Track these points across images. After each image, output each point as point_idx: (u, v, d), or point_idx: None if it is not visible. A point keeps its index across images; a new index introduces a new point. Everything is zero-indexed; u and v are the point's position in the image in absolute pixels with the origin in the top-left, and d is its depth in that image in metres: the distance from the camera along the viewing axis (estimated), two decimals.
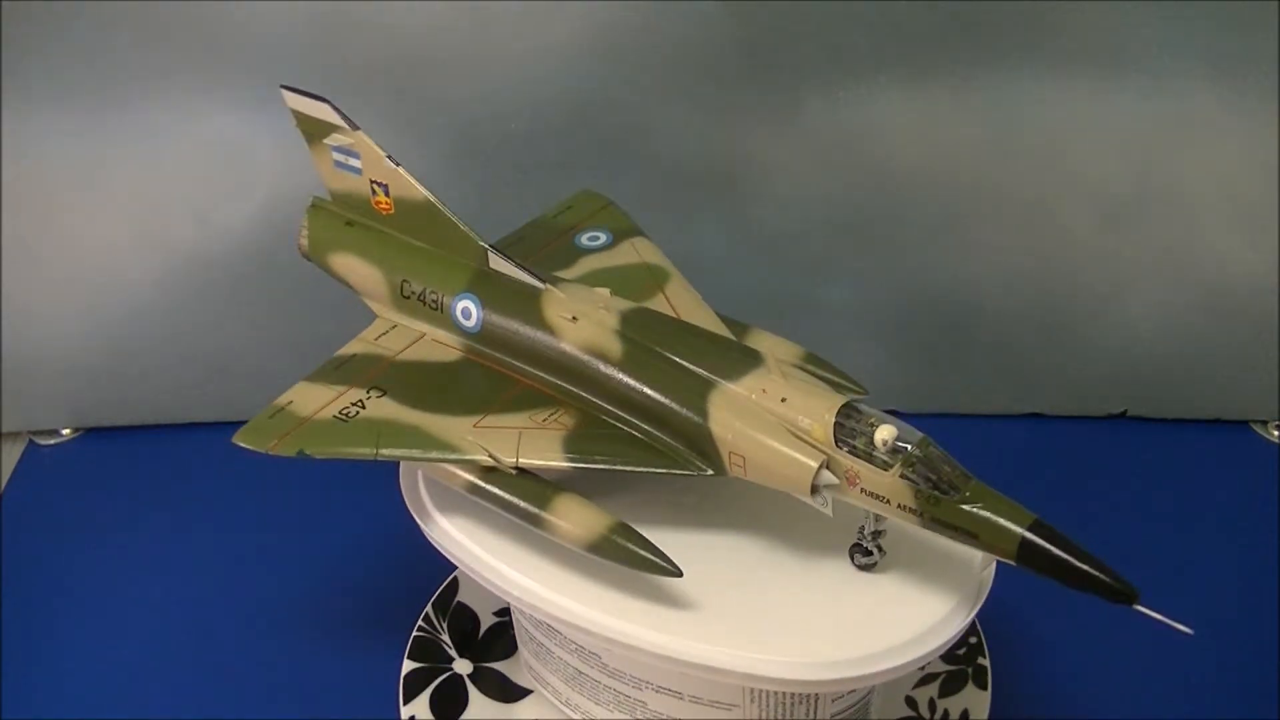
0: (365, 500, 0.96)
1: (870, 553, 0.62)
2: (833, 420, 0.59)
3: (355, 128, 0.72)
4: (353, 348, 0.73)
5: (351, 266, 0.75)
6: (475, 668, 0.82)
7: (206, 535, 0.95)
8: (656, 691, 0.67)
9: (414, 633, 0.84)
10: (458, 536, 0.68)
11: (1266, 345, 0.97)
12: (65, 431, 1.04)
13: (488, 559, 0.67)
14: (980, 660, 0.80)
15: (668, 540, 0.64)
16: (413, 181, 0.71)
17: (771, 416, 0.60)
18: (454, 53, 0.89)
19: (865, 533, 0.62)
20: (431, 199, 0.71)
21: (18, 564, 0.92)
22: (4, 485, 1.00)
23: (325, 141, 0.73)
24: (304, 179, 0.94)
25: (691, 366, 0.63)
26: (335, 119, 0.72)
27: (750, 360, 0.63)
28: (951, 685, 0.79)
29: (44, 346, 0.99)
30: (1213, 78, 0.89)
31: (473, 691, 0.81)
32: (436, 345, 0.72)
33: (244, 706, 0.82)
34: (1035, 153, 0.92)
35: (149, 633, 0.87)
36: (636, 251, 0.77)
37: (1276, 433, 1.02)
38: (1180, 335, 0.98)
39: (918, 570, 0.63)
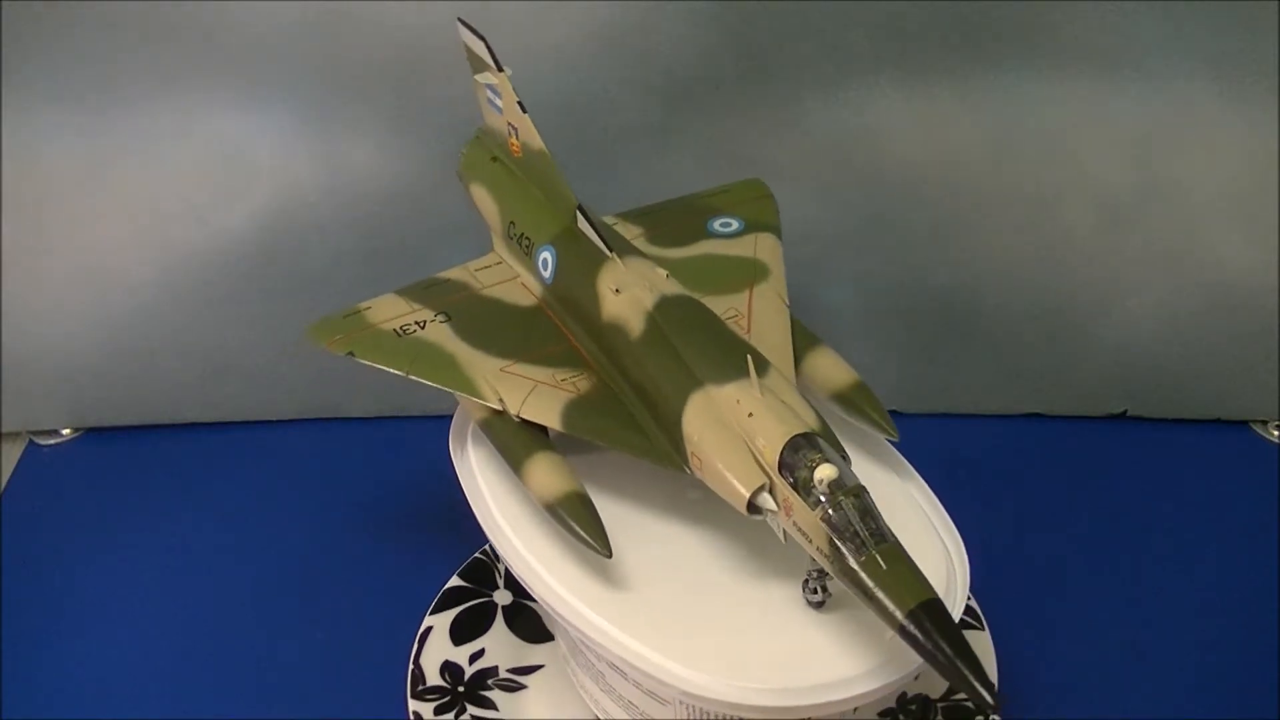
0: (368, 497, 0.97)
1: (816, 591, 0.62)
2: (780, 447, 0.59)
3: (500, 69, 0.74)
4: (452, 272, 0.77)
5: (482, 199, 0.78)
6: (514, 601, 0.84)
7: (207, 535, 0.95)
8: (610, 666, 0.68)
9: (475, 554, 0.86)
10: (474, 469, 0.71)
11: (1266, 345, 0.97)
12: (65, 431, 1.04)
13: (486, 498, 0.69)
14: None
15: (653, 531, 0.65)
16: (534, 129, 0.74)
17: (736, 428, 0.61)
18: (454, 53, 0.89)
19: (811, 571, 0.61)
20: (545, 150, 0.74)
21: (18, 564, 0.92)
22: (4, 485, 1.00)
23: (477, 78, 0.76)
24: (304, 179, 0.94)
25: (688, 363, 0.64)
26: (487, 58, 0.74)
27: (739, 369, 0.62)
28: None
29: (44, 346, 0.99)
30: (1213, 78, 0.89)
31: (498, 622, 0.83)
32: (521, 288, 0.75)
33: (244, 706, 0.82)
34: (1035, 153, 0.92)
35: (150, 632, 0.87)
36: (754, 246, 0.77)
37: (1276, 433, 1.02)
38: (1180, 335, 0.98)
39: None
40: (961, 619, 0.79)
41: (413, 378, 0.70)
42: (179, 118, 0.91)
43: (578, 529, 0.63)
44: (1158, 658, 0.84)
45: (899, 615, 0.54)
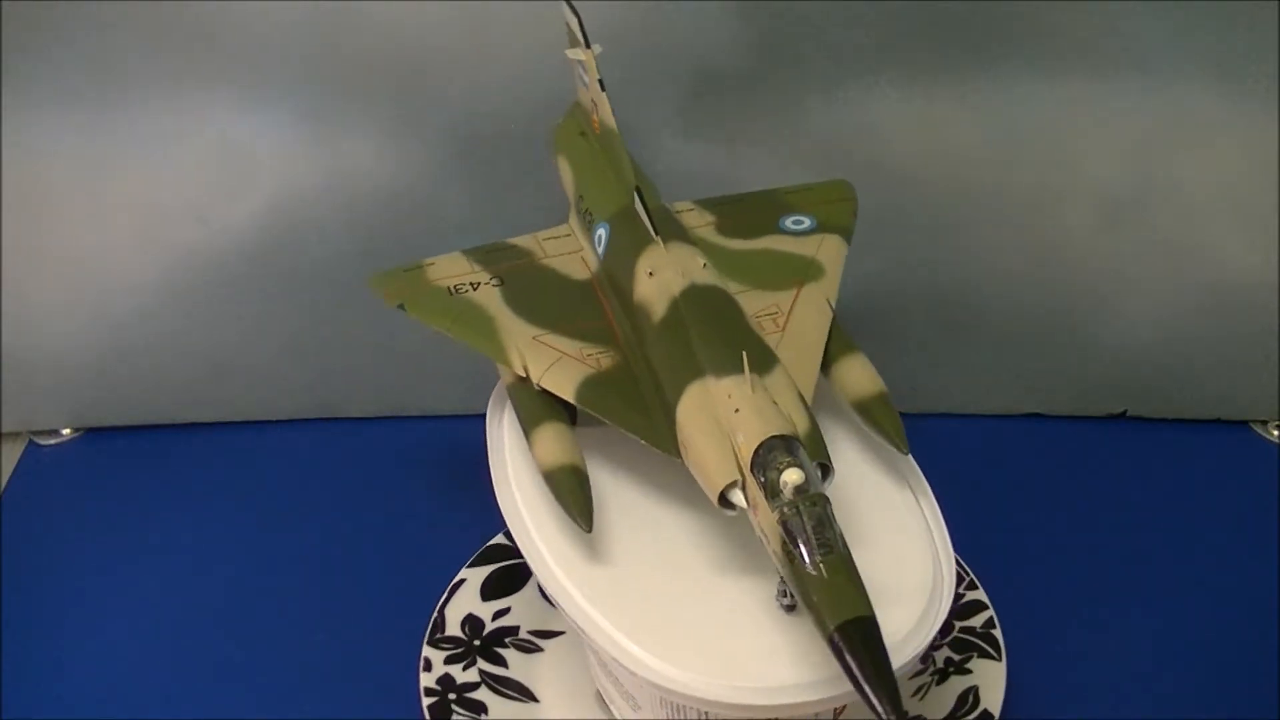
0: (368, 497, 0.97)
1: (787, 594, 0.61)
2: (755, 445, 0.59)
3: (587, 46, 0.75)
4: (520, 239, 0.78)
5: (564, 170, 0.80)
6: None
7: (207, 534, 0.95)
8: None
9: None
10: (504, 435, 0.72)
11: (1266, 345, 0.97)
12: (65, 431, 1.04)
13: (504, 466, 0.70)
14: None
15: (656, 518, 0.66)
16: (609, 108, 0.75)
17: (723, 422, 0.61)
18: (454, 52, 0.89)
19: (781, 575, 0.61)
20: (615, 129, 0.75)
21: (18, 564, 0.92)
22: (4, 485, 1.00)
23: (567, 53, 0.77)
24: (304, 179, 0.94)
25: (696, 352, 0.64)
26: (578, 34, 0.75)
27: (737, 365, 0.63)
28: None
29: (44, 346, 0.99)
30: (1213, 78, 0.89)
31: (531, 583, 0.84)
32: (580, 262, 0.76)
33: (245, 705, 0.82)
34: (1035, 153, 0.92)
35: (150, 632, 0.87)
36: (818, 246, 0.77)
37: (1276, 433, 1.02)
38: (1180, 335, 0.98)
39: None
40: (980, 648, 0.80)
41: (450, 335, 0.71)
42: (179, 118, 0.91)
43: (565, 499, 0.64)
44: (1157, 657, 0.84)
45: (828, 627, 0.55)
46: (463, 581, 0.86)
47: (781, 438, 0.59)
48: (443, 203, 0.94)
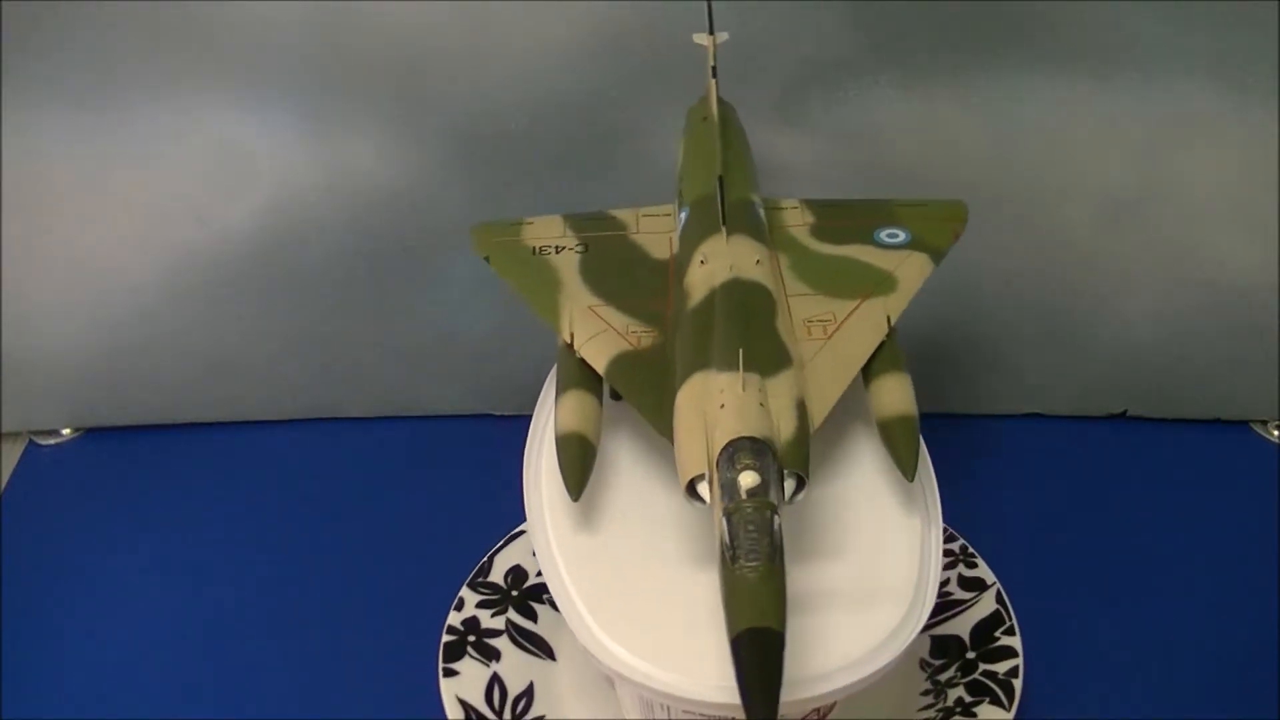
0: (369, 498, 0.97)
1: None
2: (724, 443, 0.59)
3: (711, 34, 0.76)
4: (621, 211, 0.78)
5: (679, 152, 0.80)
6: None
7: (207, 535, 0.95)
8: None
9: None
10: (543, 411, 0.72)
11: (1266, 345, 0.97)
12: (65, 431, 1.04)
13: (535, 441, 0.71)
14: None
15: (661, 503, 0.66)
16: (714, 96, 0.76)
17: (707, 415, 0.61)
18: (454, 52, 0.89)
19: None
20: (714, 118, 0.76)
21: (18, 564, 0.92)
22: (4, 485, 1.00)
23: (694, 37, 0.78)
24: (304, 179, 0.94)
25: (712, 343, 0.64)
26: (705, 18, 0.76)
27: (735, 362, 0.62)
28: None
29: (44, 346, 0.99)
30: (1213, 78, 0.89)
31: None
32: (667, 242, 0.76)
33: (246, 707, 0.82)
34: (1035, 153, 0.92)
35: (150, 633, 0.87)
36: (901, 262, 0.75)
37: (1276, 433, 1.02)
38: (1180, 335, 0.98)
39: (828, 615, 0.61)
40: (994, 694, 0.79)
41: (518, 295, 0.72)
42: (179, 118, 0.91)
43: (562, 466, 0.64)
44: (1156, 658, 0.84)
45: (732, 630, 0.55)
46: (522, 533, 0.86)
47: (751, 439, 0.59)
48: (443, 203, 0.94)
